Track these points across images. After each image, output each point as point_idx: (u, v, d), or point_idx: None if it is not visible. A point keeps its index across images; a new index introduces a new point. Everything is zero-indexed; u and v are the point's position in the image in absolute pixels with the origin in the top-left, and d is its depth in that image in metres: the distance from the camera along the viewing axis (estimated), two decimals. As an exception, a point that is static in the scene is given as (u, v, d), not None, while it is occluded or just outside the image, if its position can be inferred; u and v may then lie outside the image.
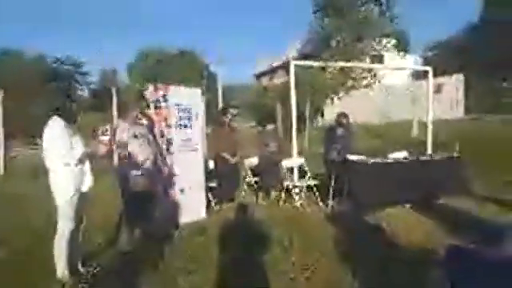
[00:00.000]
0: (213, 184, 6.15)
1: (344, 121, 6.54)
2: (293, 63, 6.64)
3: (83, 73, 43.14)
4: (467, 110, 18.53)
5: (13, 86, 23.06)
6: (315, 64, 8.43)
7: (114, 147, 4.18)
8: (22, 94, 19.92)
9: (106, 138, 3.98)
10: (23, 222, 5.28)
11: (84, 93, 42.42)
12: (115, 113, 10.87)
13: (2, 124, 11.29)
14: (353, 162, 5.95)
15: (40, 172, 3.37)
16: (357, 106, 21.85)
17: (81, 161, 3.33)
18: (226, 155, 6.23)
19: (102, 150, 3.59)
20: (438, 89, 18.78)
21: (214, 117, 8.76)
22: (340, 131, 6.52)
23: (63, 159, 3.22)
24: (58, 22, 72.31)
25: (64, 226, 3.29)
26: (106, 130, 4.25)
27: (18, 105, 17.63)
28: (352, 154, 6.09)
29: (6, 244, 4.39)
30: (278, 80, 29.64)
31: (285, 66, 6.52)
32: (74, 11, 68.84)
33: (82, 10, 69.31)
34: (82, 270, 3.55)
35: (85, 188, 3.44)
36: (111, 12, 71.63)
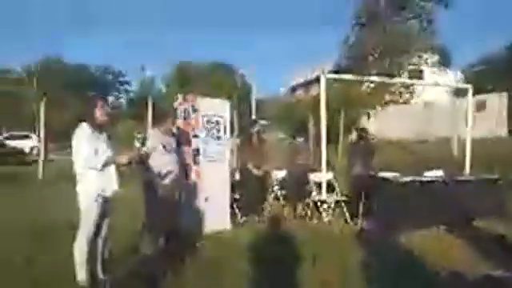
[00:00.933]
0: (238, 195, 6.10)
1: (364, 136, 6.48)
2: (323, 77, 6.53)
3: (123, 82, 44.73)
4: (510, 130, 17.62)
5: (54, 92, 24.28)
6: (347, 77, 8.27)
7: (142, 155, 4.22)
8: (62, 101, 20.89)
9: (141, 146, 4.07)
10: (49, 226, 5.42)
11: (123, 101, 43.91)
12: (150, 121, 11.10)
13: (44, 130, 11.80)
14: (385, 179, 5.75)
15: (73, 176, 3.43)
16: (394, 122, 21.39)
17: (106, 165, 3.35)
18: (251, 167, 6.18)
19: (128, 158, 3.60)
20: (481, 106, 18.01)
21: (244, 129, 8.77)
22: (361, 146, 6.44)
23: (88, 163, 3.26)
24: (102, 30, 75.62)
25: (86, 230, 3.31)
26: (144, 139, 4.34)
27: (59, 111, 18.51)
28: (374, 169, 5.96)
29: (30, 247, 4.49)
30: (313, 93, 29.48)
31: (318, 79, 6.46)
32: (116, 20, 71.79)
33: (124, 19, 72.12)
34: (102, 276, 3.55)
35: (109, 193, 3.46)
36: (151, 23, 74.04)
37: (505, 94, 18.32)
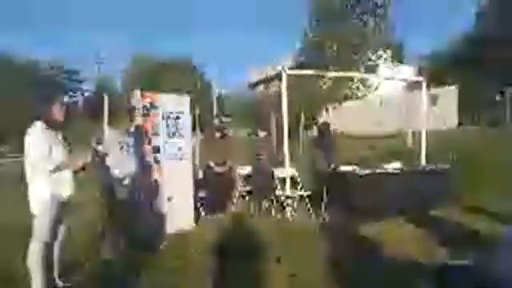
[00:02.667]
0: (202, 194, 6.00)
1: (326, 130, 6.53)
2: (284, 74, 6.54)
3: (77, 80, 42.99)
4: (461, 122, 18.57)
5: (3, 92, 22.90)
6: (307, 73, 8.34)
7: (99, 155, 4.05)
8: (11, 101, 19.76)
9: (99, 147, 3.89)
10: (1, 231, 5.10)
11: (78, 100, 42.21)
12: (106, 120, 10.70)
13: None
14: (345, 172, 5.86)
15: (23, 180, 3.22)
16: (351, 116, 21.92)
17: (59, 168, 3.16)
18: (211, 163, 6.10)
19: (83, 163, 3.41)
20: (433, 100, 18.83)
21: (206, 125, 8.66)
22: (323, 140, 6.56)
23: (40, 165, 3.08)
24: (54, 26, 72.15)
25: (40, 235, 3.12)
26: (100, 138, 4.15)
27: (7, 111, 17.48)
28: (336, 162, 6.07)
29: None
30: (273, 89, 29.63)
31: (278, 75, 6.45)
32: (70, 15, 68.74)
33: (80, 13, 69.19)
34: (59, 283, 3.38)
35: (64, 197, 3.28)
36: (108, 16, 71.48)
37: (455, 88, 19.26)
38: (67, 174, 3.29)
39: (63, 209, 3.31)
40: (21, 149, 3.31)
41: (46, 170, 3.09)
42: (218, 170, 6.12)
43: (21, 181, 3.32)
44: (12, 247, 4.15)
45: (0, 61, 32.55)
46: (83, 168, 3.42)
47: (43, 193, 3.12)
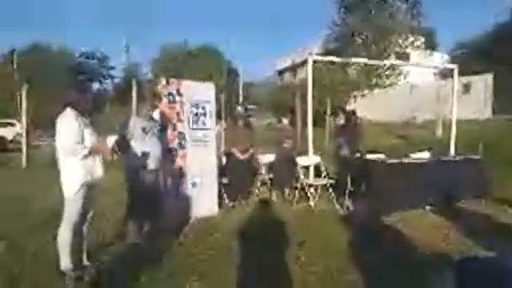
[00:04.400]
0: (225, 180, 6.06)
1: (352, 117, 6.57)
2: (310, 59, 6.46)
3: (108, 67, 43.92)
4: (495, 111, 17.83)
5: (39, 79, 23.73)
6: (335, 60, 8.20)
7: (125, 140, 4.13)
8: (47, 87, 20.44)
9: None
10: (33, 212, 5.34)
11: (108, 86, 43.18)
12: (134, 107, 10.92)
13: (26, 117, 11.53)
14: (371, 161, 5.77)
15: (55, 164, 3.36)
16: (380, 104, 21.47)
17: (90, 153, 3.27)
18: (235, 151, 6.13)
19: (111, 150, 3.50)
20: (466, 88, 18.15)
21: (231, 112, 8.69)
22: (348, 128, 6.51)
23: (71, 151, 3.19)
24: (84, 16, 73.74)
25: (70, 217, 3.25)
26: (123, 125, 4.25)
27: (44, 97, 18.12)
28: (362, 151, 6.00)
29: (14, 234, 4.43)
30: (300, 76, 29.35)
31: (305, 63, 6.38)
32: (99, 6, 69.97)
33: (108, 5, 70.37)
34: (86, 263, 3.52)
35: (94, 180, 3.39)
36: (137, 7, 72.35)
37: (490, 76, 18.47)
38: (97, 159, 3.39)
39: (92, 192, 3.43)
40: (52, 133, 3.43)
41: (78, 154, 3.19)
42: (241, 157, 6.15)
43: (53, 164, 3.44)
44: (44, 228, 4.35)
45: (36, 49, 33.73)
46: (114, 151, 3.52)
47: (74, 177, 3.23)
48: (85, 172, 3.28)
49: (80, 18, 71.96)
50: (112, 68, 44.13)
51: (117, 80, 43.64)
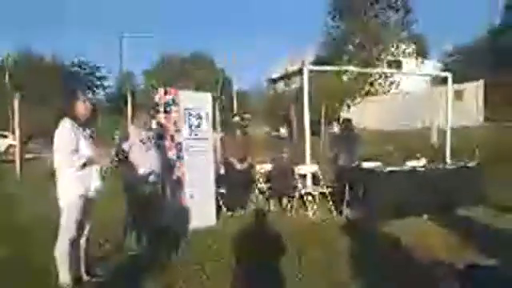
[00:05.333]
0: (223, 190, 6.04)
1: (348, 126, 6.52)
2: (306, 68, 6.50)
3: (100, 77, 43.68)
4: (487, 118, 18.01)
5: (31, 88, 23.51)
6: (329, 69, 8.26)
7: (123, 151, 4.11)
8: (39, 97, 20.28)
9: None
10: (29, 226, 5.26)
11: (100, 96, 42.88)
12: (129, 117, 10.90)
13: (19, 128, 11.41)
14: (368, 169, 5.78)
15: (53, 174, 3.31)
16: (374, 112, 21.60)
17: (86, 164, 3.23)
18: (233, 160, 6.12)
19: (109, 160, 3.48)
20: (458, 96, 18.34)
21: (227, 122, 8.70)
22: (345, 137, 6.50)
23: (67, 161, 3.14)
24: (76, 25, 73.64)
25: (67, 229, 3.19)
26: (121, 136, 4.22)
27: (36, 107, 17.94)
28: (359, 159, 6.01)
29: (9, 248, 4.34)
30: (294, 85, 29.48)
31: (300, 71, 6.41)
32: (92, 14, 69.98)
33: (101, 13, 70.36)
34: (85, 277, 3.46)
35: (91, 192, 3.35)
36: (128, 15, 72.42)
37: (481, 83, 18.69)
38: (95, 170, 3.35)
39: (90, 204, 3.38)
40: (47, 145, 3.39)
41: (75, 165, 3.15)
42: (239, 166, 6.14)
43: (50, 175, 3.40)
44: (41, 240, 4.28)
45: (29, 58, 33.46)
46: (111, 162, 3.50)
47: (71, 188, 3.18)
48: (82, 183, 3.23)
49: (70, 27, 71.77)
50: (104, 78, 43.88)
51: (109, 90, 43.41)
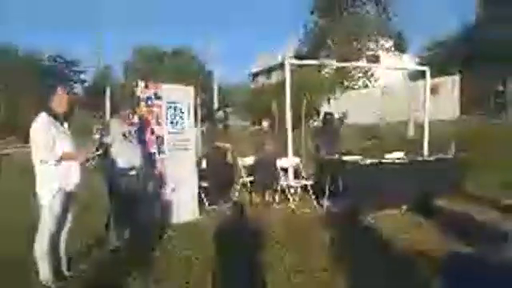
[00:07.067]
0: (205, 184, 6.03)
1: (330, 120, 6.70)
2: (288, 62, 6.53)
3: (78, 71, 42.74)
4: (463, 111, 18.47)
5: (8, 83, 22.87)
6: (311, 63, 8.32)
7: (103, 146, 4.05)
8: (17, 92, 19.74)
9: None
10: (7, 222, 5.15)
11: (77, 90, 41.97)
12: (108, 111, 10.73)
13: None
14: (348, 162, 5.86)
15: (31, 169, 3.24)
16: (353, 106, 21.82)
17: (62, 159, 3.17)
18: (220, 144, 6.14)
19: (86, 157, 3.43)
20: (435, 89, 18.72)
21: (209, 116, 8.66)
22: (326, 130, 6.63)
23: (43, 156, 3.09)
24: (52, 19, 71.59)
25: (46, 225, 3.15)
26: (102, 129, 4.16)
27: (13, 103, 17.46)
28: (340, 152, 6.11)
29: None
30: (275, 79, 29.54)
31: (281, 65, 6.41)
32: (68, 9, 68.16)
33: (77, 7, 68.59)
34: (67, 273, 3.42)
35: (70, 186, 3.30)
36: (106, 9, 70.88)
37: (457, 77, 19.13)
38: (74, 165, 3.30)
39: (70, 199, 3.33)
40: (26, 139, 3.32)
41: (49, 161, 3.10)
42: (227, 147, 6.22)
43: (28, 170, 3.33)
44: (20, 237, 4.19)
45: (5, 52, 32.41)
46: (88, 160, 3.45)
47: (49, 184, 3.14)
48: (60, 178, 3.18)
49: (47, 20, 69.74)
50: (82, 72, 42.96)
51: (87, 84, 42.53)
